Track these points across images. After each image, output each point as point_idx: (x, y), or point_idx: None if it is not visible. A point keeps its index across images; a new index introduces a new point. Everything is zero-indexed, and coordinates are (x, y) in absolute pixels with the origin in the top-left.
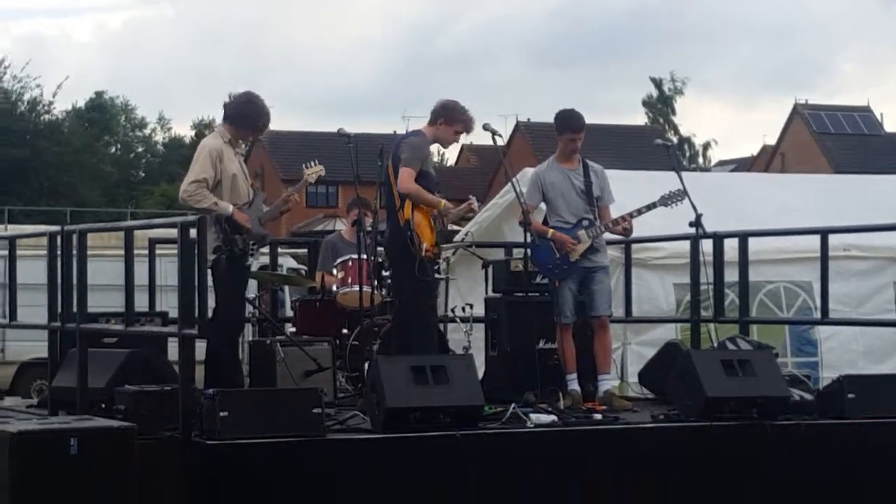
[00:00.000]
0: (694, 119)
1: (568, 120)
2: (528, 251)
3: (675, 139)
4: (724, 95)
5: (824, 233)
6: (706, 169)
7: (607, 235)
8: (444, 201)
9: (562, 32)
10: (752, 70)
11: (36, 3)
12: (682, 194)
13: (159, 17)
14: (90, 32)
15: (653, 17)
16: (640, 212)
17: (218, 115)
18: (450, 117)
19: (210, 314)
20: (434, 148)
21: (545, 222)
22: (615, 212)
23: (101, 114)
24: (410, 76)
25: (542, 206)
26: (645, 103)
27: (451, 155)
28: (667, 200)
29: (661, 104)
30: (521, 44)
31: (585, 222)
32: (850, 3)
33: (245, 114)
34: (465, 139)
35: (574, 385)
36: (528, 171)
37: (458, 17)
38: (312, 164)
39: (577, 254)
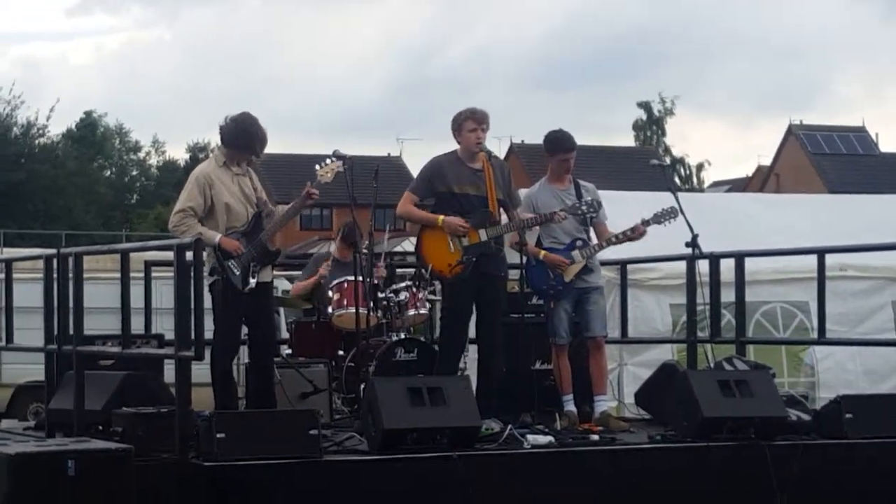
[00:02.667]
0: (688, 140)
1: (559, 141)
2: (523, 272)
3: (667, 160)
4: (720, 116)
5: (821, 252)
6: (700, 190)
7: (602, 255)
8: (441, 217)
9: (556, 55)
10: (747, 90)
11: (33, 25)
12: (675, 212)
13: (156, 39)
14: (87, 55)
15: (648, 38)
16: (633, 231)
17: (213, 138)
18: (457, 124)
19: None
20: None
21: (539, 244)
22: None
23: (91, 133)
24: (406, 99)
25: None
26: (635, 126)
27: None
28: (660, 218)
29: (652, 126)
30: (514, 67)
31: (579, 242)
32: (848, 23)
33: (240, 136)
34: None
35: (570, 406)
36: (522, 192)
37: (452, 40)
38: (329, 161)
39: (571, 274)
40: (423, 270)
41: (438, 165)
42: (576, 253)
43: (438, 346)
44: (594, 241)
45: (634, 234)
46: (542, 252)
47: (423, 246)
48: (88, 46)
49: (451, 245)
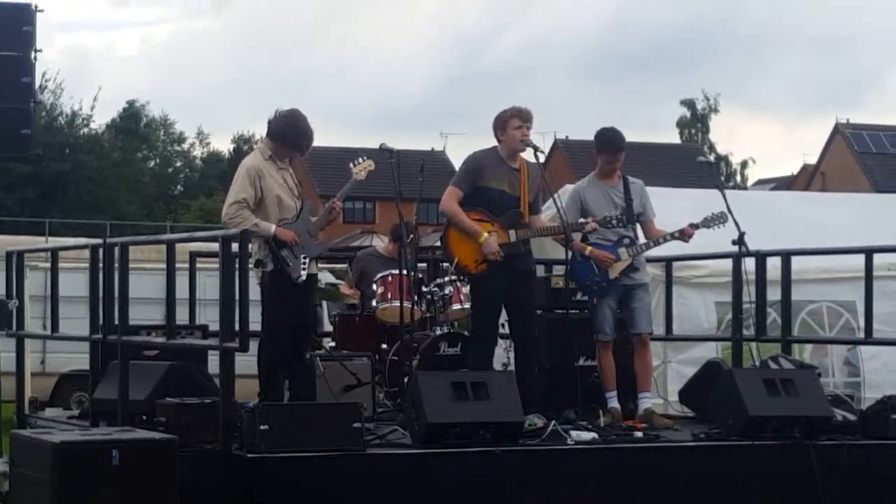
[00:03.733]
0: (733, 138)
1: (608, 140)
2: (568, 268)
3: (711, 158)
4: (768, 113)
5: (869, 252)
6: (743, 187)
7: (648, 252)
8: (485, 236)
9: (606, 49)
10: (796, 88)
11: (81, 15)
12: (724, 216)
13: (204, 30)
14: (134, 45)
15: (698, 33)
16: (681, 233)
17: (258, 130)
18: (501, 122)
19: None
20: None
21: (585, 239)
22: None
23: (135, 123)
24: (451, 93)
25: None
26: (679, 123)
27: None
28: (709, 222)
29: (697, 123)
30: (561, 61)
31: (626, 240)
32: None
33: (287, 132)
34: None
35: (614, 402)
36: (569, 188)
37: (498, 35)
38: (361, 159)
39: (617, 271)
40: (447, 263)
41: (480, 159)
42: (622, 250)
43: (469, 341)
44: (641, 238)
45: (682, 236)
46: (588, 247)
47: (449, 239)
48: (135, 37)
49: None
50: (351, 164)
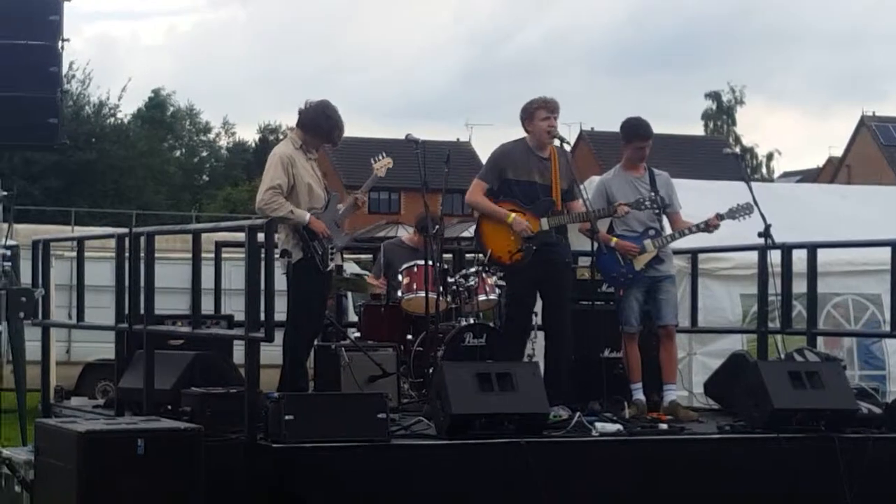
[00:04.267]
0: (759, 130)
1: (636, 128)
2: (594, 259)
3: (737, 150)
4: (794, 105)
5: (895, 245)
6: (769, 180)
7: (673, 244)
8: (512, 216)
9: (629, 41)
10: (822, 80)
11: (107, 4)
12: (750, 207)
13: (230, 19)
14: (160, 35)
15: (722, 25)
16: (707, 224)
17: (284, 120)
18: (528, 113)
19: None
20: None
21: (611, 230)
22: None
23: (161, 113)
24: (477, 84)
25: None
26: (704, 115)
27: None
28: (735, 213)
29: (722, 115)
30: (586, 53)
31: (652, 231)
32: None
33: (318, 123)
34: None
35: (639, 395)
36: (594, 180)
37: (524, 25)
38: (381, 156)
39: (642, 263)
40: (482, 255)
41: (507, 153)
42: (647, 242)
43: (502, 333)
44: (668, 230)
45: (708, 227)
46: (614, 239)
47: (483, 231)
48: (161, 26)
49: (512, 232)
50: (372, 160)
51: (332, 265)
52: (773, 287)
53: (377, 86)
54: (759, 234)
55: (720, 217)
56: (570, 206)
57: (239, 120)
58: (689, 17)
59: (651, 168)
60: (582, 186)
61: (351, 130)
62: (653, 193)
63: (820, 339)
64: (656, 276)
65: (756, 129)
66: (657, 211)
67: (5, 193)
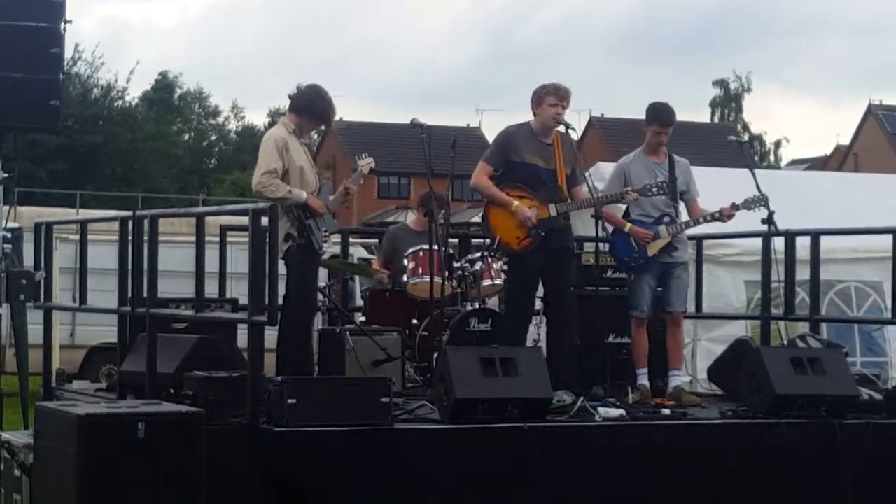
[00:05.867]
0: (768, 117)
1: (660, 112)
2: (605, 244)
3: (745, 137)
4: (802, 93)
5: None
6: (777, 167)
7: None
8: (516, 203)
9: (640, 28)
10: (832, 68)
11: None
12: (765, 200)
13: (242, 2)
14: (171, 17)
15: (735, 13)
16: (721, 213)
17: None
18: (538, 97)
19: (280, 302)
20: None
21: (626, 215)
22: None
23: (169, 95)
24: (487, 70)
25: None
26: (712, 103)
27: None
28: (750, 204)
29: (730, 103)
30: (597, 39)
31: (667, 218)
32: None
33: (315, 105)
34: None
35: (644, 380)
36: (601, 166)
37: (536, 12)
38: (363, 155)
39: (655, 249)
40: (489, 240)
41: (511, 135)
42: (661, 228)
43: (504, 318)
44: (684, 217)
45: (722, 216)
46: (628, 224)
47: (490, 217)
48: (173, 9)
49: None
50: (357, 158)
51: (325, 247)
52: (776, 274)
53: (389, 70)
54: (763, 221)
55: (735, 207)
56: (573, 192)
57: (249, 104)
58: (699, 6)
59: (671, 154)
60: (588, 173)
61: (362, 115)
62: (660, 179)
63: (824, 326)
64: (670, 263)
65: (764, 117)
66: (662, 195)
67: (6, 176)
